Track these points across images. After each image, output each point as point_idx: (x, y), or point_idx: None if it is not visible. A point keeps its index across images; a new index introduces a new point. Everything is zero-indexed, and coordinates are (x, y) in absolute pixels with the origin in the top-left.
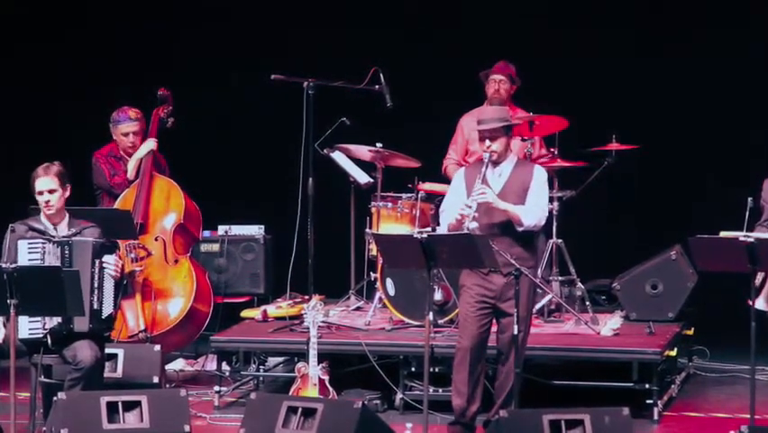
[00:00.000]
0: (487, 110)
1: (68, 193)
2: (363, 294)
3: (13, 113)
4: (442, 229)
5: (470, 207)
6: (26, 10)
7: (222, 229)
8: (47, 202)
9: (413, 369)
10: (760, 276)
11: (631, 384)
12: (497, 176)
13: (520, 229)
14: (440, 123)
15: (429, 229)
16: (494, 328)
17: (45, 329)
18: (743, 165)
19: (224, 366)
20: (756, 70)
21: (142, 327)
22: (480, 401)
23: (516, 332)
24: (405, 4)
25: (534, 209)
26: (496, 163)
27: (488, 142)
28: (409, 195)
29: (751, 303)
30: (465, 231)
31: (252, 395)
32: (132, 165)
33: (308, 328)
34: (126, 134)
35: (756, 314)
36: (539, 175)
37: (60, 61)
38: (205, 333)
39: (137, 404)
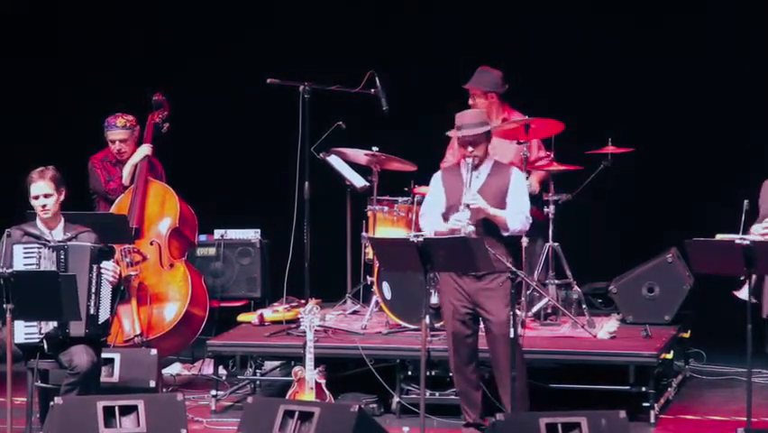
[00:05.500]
0: (465, 115)
1: (62, 197)
2: (360, 298)
3: (12, 114)
4: (424, 233)
5: (460, 220)
6: (25, 11)
7: (218, 233)
8: (43, 206)
9: (410, 372)
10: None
11: (628, 387)
12: (474, 178)
13: (506, 234)
14: (436, 127)
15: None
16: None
17: (41, 334)
18: (742, 166)
19: (221, 370)
20: (755, 70)
21: (138, 332)
22: (479, 405)
23: (497, 333)
24: (401, 7)
25: (520, 214)
26: (475, 167)
27: (470, 148)
28: (405, 198)
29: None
30: (462, 234)
31: (249, 399)
32: (127, 170)
33: (305, 332)
34: (113, 141)
35: (752, 315)
36: (517, 178)
37: (58, 64)
38: (201, 337)
39: (134, 408)
